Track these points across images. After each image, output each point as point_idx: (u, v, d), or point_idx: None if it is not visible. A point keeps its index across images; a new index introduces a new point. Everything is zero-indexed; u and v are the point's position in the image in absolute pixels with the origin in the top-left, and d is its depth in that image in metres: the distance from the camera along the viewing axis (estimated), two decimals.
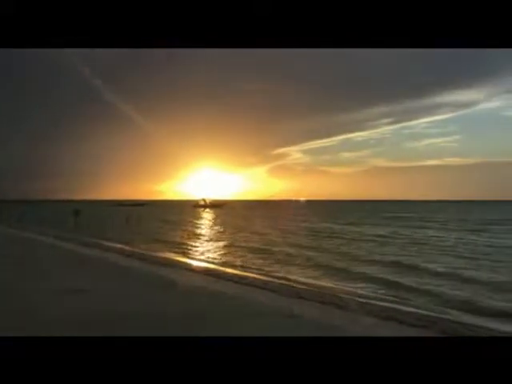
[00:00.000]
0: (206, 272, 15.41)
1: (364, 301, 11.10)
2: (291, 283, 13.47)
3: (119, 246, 23.22)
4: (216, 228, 40.08)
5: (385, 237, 29.80)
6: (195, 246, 24.61)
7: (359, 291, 12.52)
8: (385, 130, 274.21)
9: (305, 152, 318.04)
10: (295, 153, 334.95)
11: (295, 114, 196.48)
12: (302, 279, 14.38)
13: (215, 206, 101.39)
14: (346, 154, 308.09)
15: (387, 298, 11.74)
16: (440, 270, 16.31)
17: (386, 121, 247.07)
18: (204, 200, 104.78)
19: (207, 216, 64.87)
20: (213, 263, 18.20)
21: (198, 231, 36.49)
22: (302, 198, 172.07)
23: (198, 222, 50.60)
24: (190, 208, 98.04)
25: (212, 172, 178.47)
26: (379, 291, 12.56)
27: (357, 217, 61.45)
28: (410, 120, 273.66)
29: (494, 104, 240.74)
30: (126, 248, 22.02)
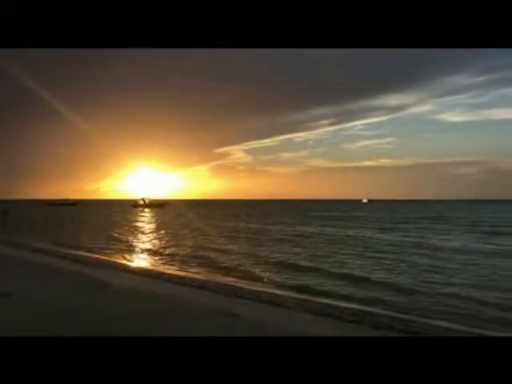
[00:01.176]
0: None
1: (302, 297, 11.49)
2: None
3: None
4: (132, 229, 39.18)
5: (297, 236, 30.36)
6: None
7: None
8: (323, 131, 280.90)
9: (246, 151, 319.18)
10: (237, 152, 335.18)
11: (237, 114, 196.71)
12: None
13: (155, 205, 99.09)
14: (287, 154, 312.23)
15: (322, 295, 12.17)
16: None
17: (324, 122, 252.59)
18: (143, 199, 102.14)
19: (140, 217, 63.02)
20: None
21: (104, 232, 34.94)
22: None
23: (119, 221, 49.30)
24: (128, 207, 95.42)
25: (152, 171, 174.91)
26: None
27: (286, 216, 62.10)
28: (347, 122, 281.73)
29: (425, 108, 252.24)
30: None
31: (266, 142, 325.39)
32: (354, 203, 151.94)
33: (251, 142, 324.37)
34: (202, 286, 12.83)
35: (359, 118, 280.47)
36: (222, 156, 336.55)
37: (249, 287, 13.01)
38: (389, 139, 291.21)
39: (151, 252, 22.34)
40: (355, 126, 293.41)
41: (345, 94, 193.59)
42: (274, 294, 12.04)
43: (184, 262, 18.63)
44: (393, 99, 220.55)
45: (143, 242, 27.27)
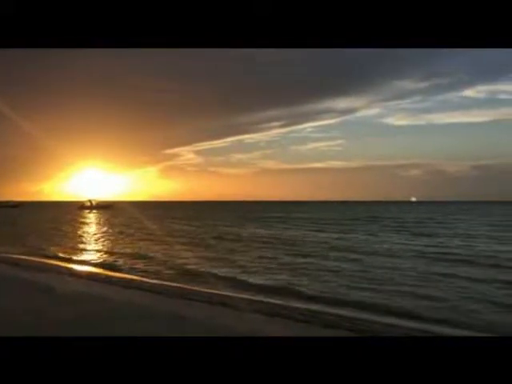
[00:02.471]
0: None
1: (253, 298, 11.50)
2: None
3: None
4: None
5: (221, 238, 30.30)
6: None
7: None
8: (274, 133, 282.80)
9: (197, 153, 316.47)
10: (187, 153, 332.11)
11: (187, 114, 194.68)
12: None
13: (102, 207, 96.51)
14: (238, 156, 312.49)
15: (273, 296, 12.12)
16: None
17: (275, 124, 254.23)
18: (90, 201, 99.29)
19: (83, 219, 61.27)
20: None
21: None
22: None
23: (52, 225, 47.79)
24: (74, 209, 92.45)
25: (100, 172, 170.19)
26: None
27: (223, 218, 61.91)
28: (298, 124, 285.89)
29: (373, 111, 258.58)
30: None
31: (217, 143, 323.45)
32: (306, 204, 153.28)
33: (202, 143, 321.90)
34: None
35: (310, 121, 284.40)
36: (171, 157, 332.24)
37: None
38: (339, 141, 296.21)
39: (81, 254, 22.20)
40: (306, 128, 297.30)
41: (296, 96, 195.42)
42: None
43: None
44: (342, 102, 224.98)
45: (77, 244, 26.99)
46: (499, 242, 27.26)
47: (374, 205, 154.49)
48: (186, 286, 13.35)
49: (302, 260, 19.08)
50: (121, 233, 34.53)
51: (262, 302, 11.23)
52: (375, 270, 16.51)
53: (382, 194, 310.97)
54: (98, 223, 50.37)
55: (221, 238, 29.49)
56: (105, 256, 21.17)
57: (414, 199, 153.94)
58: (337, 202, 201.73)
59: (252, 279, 14.46)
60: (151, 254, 21.04)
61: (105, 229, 40.05)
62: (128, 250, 22.92)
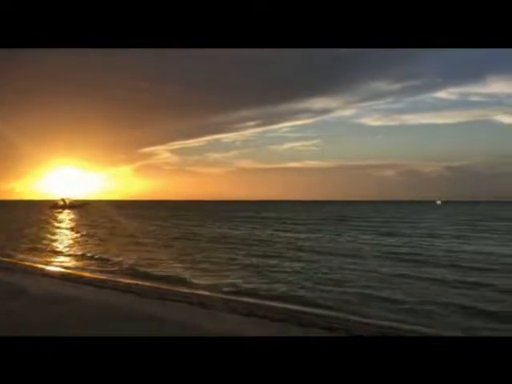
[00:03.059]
0: None
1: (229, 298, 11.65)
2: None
3: None
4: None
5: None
6: None
7: None
8: (251, 132, 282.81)
9: (173, 152, 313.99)
10: (163, 152, 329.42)
11: (164, 113, 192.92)
12: None
13: (76, 206, 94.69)
14: (214, 155, 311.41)
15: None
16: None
17: (251, 123, 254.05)
18: (63, 200, 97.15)
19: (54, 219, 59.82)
20: None
21: None
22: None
23: None
24: (46, 209, 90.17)
25: (74, 170, 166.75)
26: None
27: (196, 218, 61.55)
28: (274, 124, 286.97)
29: (349, 112, 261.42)
30: None
31: (193, 142, 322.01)
32: (281, 204, 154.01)
33: (178, 142, 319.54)
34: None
35: (286, 120, 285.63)
36: (147, 156, 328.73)
37: None
38: (314, 141, 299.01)
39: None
40: (282, 128, 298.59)
41: (272, 96, 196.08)
42: None
43: None
44: (318, 102, 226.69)
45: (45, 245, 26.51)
46: (459, 241, 27.74)
47: (348, 204, 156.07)
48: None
49: (254, 260, 19.10)
50: (83, 234, 33.91)
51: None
52: (328, 269, 16.59)
53: (357, 193, 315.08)
54: (65, 223, 49.27)
55: (183, 239, 29.27)
56: (50, 258, 20.96)
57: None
58: (312, 202, 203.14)
59: (196, 280, 14.43)
60: (97, 256, 20.93)
61: (68, 230, 39.18)
62: (79, 252, 22.69)
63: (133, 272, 16.32)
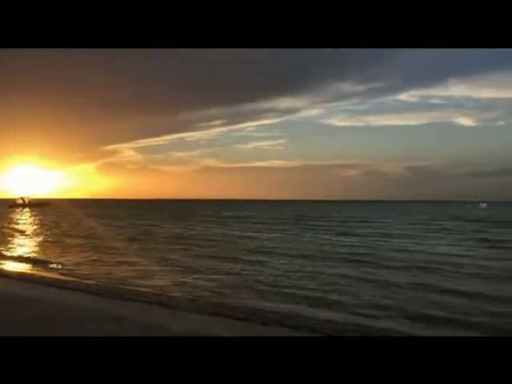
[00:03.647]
0: None
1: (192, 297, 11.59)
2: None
3: None
4: None
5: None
6: None
7: None
8: (216, 131, 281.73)
9: (137, 150, 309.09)
10: (127, 150, 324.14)
11: (127, 110, 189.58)
12: None
13: (36, 205, 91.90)
14: (178, 154, 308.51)
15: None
16: None
17: (217, 122, 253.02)
18: (22, 198, 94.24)
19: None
20: None
21: None
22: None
23: None
24: (3, 208, 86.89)
25: (34, 168, 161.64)
26: None
27: (155, 217, 60.71)
28: (239, 123, 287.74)
29: (314, 112, 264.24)
30: None
31: (158, 140, 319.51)
32: (246, 203, 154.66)
33: (142, 140, 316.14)
34: None
35: (252, 120, 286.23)
36: (110, 154, 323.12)
37: None
38: (280, 141, 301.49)
39: None
40: (247, 127, 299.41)
41: (238, 95, 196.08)
42: None
43: None
44: (284, 102, 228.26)
45: None
46: (412, 240, 28.27)
47: (312, 204, 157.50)
48: None
49: (189, 261, 18.98)
50: (30, 235, 33.11)
51: None
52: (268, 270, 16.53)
53: (322, 193, 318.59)
54: (19, 223, 47.86)
55: (135, 240, 28.72)
56: None
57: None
58: (277, 201, 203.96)
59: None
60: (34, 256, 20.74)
61: (17, 231, 37.78)
62: (14, 253, 22.18)
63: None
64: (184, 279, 14.64)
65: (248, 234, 33.38)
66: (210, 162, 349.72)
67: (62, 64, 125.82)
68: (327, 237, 31.02)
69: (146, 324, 8.07)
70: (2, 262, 19.44)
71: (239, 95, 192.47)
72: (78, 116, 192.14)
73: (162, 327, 7.84)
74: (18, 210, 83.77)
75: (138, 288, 12.93)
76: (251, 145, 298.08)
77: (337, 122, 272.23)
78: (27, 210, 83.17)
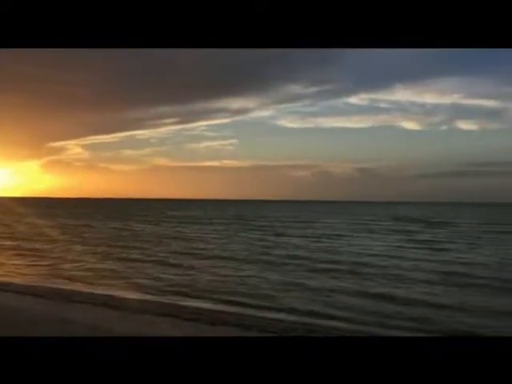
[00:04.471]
0: None
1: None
2: None
3: None
4: None
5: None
6: None
7: None
8: (167, 130, 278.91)
9: (84, 147, 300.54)
10: (74, 147, 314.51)
11: (74, 106, 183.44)
12: None
13: None
14: (128, 152, 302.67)
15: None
16: None
17: (167, 121, 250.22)
18: None
19: None
20: None
21: None
22: None
23: None
24: None
25: None
26: None
27: (95, 216, 58.87)
28: (191, 122, 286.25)
29: (265, 113, 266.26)
30: None
31: (106, 137, 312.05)
32: (197, 203, 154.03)
33: (90, 137, 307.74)
34: None
35: (203, 119, 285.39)
36: (57, 151, 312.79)
37: None
38: (231, 141, 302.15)
39: None
40: (199, 126, 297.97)
41: (189, 94, 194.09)
42: None
43: None
44: (236, 102, 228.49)
45: None
46: (345, 241, 28.56)
47: (262, 204, 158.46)
48: None
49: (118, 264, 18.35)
50: None
51: None
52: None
53: (273, 193, 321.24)
54: None
55: (59, 241, 27.51)
56: None
57: None
58: (227, 201, 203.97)
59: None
60: None
61: None
62: None
63: None
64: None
65: (180, 233, 32.82)
66: (161, 160, 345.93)
67: (9, 60, 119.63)
68: (259, 237, 30.83)
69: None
70: None
71: (191, 94, 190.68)
72: (23, 111, 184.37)
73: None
74: None
75: None
76: (203, 144, 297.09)
77: (287, 123, 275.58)
78: None
